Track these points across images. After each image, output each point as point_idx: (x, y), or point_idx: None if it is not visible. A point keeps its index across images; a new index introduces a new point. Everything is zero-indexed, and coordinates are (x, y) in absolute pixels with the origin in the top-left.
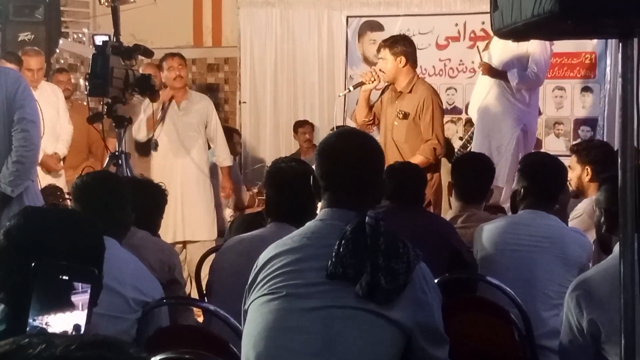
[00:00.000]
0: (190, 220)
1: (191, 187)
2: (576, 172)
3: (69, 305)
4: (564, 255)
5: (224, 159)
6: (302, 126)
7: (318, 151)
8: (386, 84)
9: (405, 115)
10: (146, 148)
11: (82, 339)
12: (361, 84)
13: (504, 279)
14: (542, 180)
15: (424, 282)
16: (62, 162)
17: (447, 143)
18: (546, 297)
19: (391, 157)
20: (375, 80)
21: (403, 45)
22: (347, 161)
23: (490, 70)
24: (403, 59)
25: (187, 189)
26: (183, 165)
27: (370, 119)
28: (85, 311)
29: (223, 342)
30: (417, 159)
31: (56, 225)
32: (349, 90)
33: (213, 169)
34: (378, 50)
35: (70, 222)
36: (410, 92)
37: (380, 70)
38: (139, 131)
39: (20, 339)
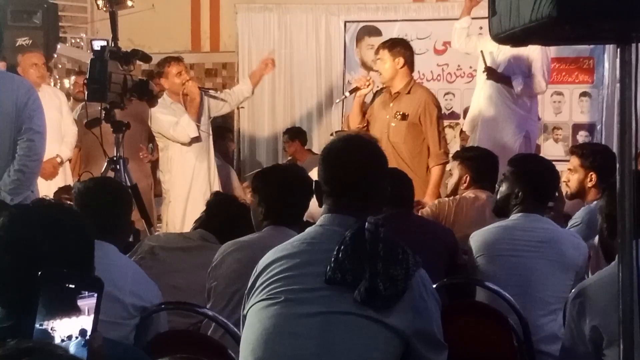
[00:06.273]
0: None
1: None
2: (578, 176)
3: (75, 311)
4: (560, 259)
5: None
6: (283, 135)
7: (323, 156)
8: (378, 88)
9: (404, 116)
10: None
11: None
12: (356, 89)
13: (500, 284)
14: (539, 183)
15: (422, 288)
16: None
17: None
18: (543, 302)
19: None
20: (369, 84)
21: (402, 47)
22: (352, 166)
23: (495, 75)
24: (401, 60)
25: None
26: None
27: (364, 125)
28: (92, 316)
29: (221, 347)
30: (437, 170)
31: (40, 224)
32: (345, 97)
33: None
34: (376, 52)
35: (53, 221)
36: (408, 93)
37: (376, 70)
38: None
39: None
